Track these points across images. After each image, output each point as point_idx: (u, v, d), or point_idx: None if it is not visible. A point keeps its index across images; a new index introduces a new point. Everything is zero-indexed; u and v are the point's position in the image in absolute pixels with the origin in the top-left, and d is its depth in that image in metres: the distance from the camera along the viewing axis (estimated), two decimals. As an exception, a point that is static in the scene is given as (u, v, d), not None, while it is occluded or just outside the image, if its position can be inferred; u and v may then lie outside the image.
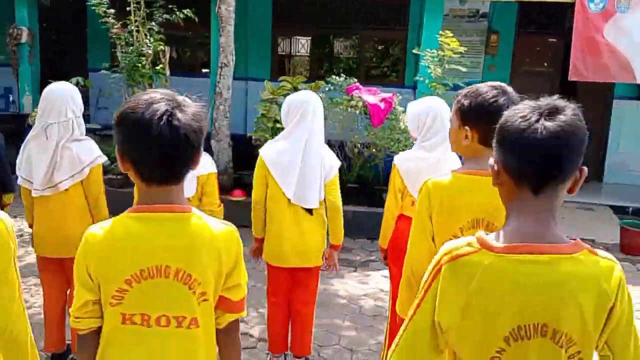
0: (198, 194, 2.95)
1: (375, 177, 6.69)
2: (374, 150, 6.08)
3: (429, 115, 2.88)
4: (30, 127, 6.96)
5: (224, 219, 3.03)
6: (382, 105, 5.83)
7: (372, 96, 5.88)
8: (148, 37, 6.52)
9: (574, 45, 6.36)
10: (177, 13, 6.50)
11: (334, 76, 6.24)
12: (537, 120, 1.20)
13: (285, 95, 6.61)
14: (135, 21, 6.46)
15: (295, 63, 9.74)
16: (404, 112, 6.09)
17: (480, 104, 1.84)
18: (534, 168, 1.20)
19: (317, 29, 9.41)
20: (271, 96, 6.68)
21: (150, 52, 6.52)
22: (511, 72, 8.85)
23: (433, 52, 6.07)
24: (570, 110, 1.23)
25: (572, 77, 6.41)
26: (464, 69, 6.08)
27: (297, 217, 2.96)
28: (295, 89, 6.66)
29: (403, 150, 5.72)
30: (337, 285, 4.72)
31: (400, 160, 2.96)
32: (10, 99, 8.31)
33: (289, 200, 2.93)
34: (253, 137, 6.41)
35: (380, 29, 9.15)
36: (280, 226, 2.98)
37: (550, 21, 8.61)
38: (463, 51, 6.10)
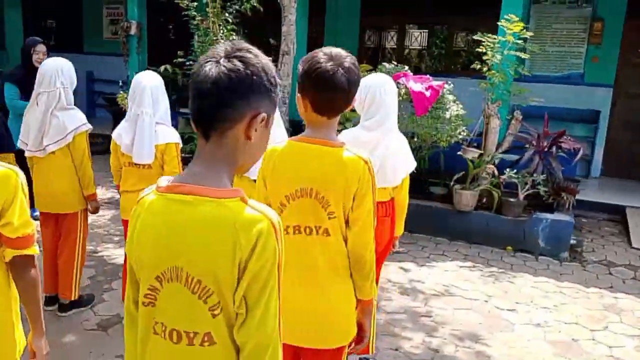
0: (159, 160, 3.17)
1: (429, 169, 6.43)
2: (415, 139, 5.87)
3: (368, 93, 2.78)
4: (123, 110, 7.91)
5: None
6: (427, 93, 5.59)
7: (418, 84, 5.66)
8: (222, 27, 6.97)
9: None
10: (246, 4, 6.85)
11: (384, 63, 6.12)
12: (206, 63, 1.18)
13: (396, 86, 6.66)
14: (211, 13, 6.94)
15: (381, 54, 9.66)
16: (455, 101, 5.80)
17: (306, 71, 1.78)
18: (195, 112, 1.20)
19: (405, 20, 9.26)
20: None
21: (222, 41, 6.96)
22: (619, 63, 7.88)
23: (494, 38, 5.67)
24: (247, 53, 1.19)
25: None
26: (525, 56, 5.59)
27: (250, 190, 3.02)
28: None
29: (447, 141, 5.48)
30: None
31: (342, 139, 2.90)
32: (120, 83, 9.40)
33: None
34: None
35: (470, 18, 8.70)
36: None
37: (667, 5, 7.49)
38: (529, 37, 5.61)
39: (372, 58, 9.44)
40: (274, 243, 1.16)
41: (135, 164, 3.17)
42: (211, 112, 1.17)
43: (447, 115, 5.54)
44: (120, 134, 3.19)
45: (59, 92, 3.25)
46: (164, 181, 1.24)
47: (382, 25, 9.57)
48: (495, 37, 5.67)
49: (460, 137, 5.62)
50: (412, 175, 6.40)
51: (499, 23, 5.62)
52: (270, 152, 1.91)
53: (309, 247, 1.84)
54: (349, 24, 9.19)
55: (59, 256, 3.49)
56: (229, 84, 1.15)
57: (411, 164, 2.90)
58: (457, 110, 5.64)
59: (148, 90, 3.12)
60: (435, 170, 6.29)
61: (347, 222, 1.86)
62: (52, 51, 11.02)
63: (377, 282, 3.02)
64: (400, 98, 5.62)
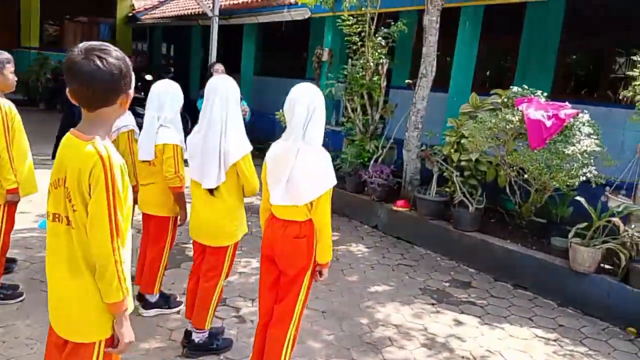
0: (159, 159, 3.51)
1: (571, 216, 5.30)
2: (525, 176, 4.89)
3: (286, 102, 2.63)
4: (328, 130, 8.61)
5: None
6: (548, 123, 4.65)
7: (540, 112, 4.75)
8: (374, 50, 7.05)
9: None
10: (393, 27, 6.79)
11: (514, 87, 5.32)
12: None
13: (490, 110, 6.07)
14: (364, 37, 7.10)
15: (579, 79, 8.30)
16: (592, 135, 4.72)
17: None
18: None
19: (612, 42, 7.75)
20: (471, 109, 6.17)
21: (371, 64, 7.05)
22: None
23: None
24: None
25: None
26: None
27: (205, 197, 3.12)
28: (505, 104, 6.00)
29: (564, 182, 4.54)
30: (387, 309, 4.25)
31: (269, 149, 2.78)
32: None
33: (199, 179, 3.14)
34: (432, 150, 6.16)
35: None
36: (193, 204, 3.22)
37: None
38: None
39: (567, 82, 8.23)
40: None
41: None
42: None
43: (569, 150, 4.53)
44: None
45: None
46: None
47: (584, 48, 8.23)
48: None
49: (584, 178, 4.52)
50: (535, 221, 5.40)
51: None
52: None
53: (60, 236, 1.90)
54: (546, 46, 8.17)
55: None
56: None
57: (324, 185, 2.58)
58: (587, 146, 4.56)
59: (154, 94, 3.52)
60: (566, 219, 5.17)
61: None
62: (278, 77, 12.67)
63: (293, 317, 2.74)
64: (511, 126, 4.88)
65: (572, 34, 7.96)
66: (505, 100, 5.27)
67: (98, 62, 1.77)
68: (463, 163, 5.82)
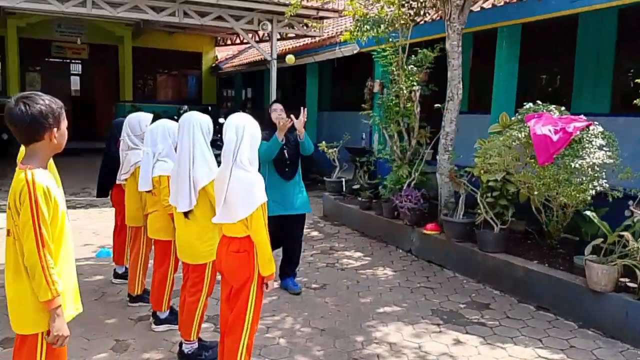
0: (158, 189, 3.95)
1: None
2: (535, 192, 4.70)
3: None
4: (377, 158, 8.85)
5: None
6: (554, 137, 4.51)
7: (548, 126, 4.61)
8: (405, 79, 7.20)
9: None
10: (420, 53, 6.91)
11: (529, 103, 5.21)
12: None
13: (517, 129, 6.00)
14: (397, 66, 7.29)
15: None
16: (603, 147, 4.52)
17: None
18: None
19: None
20: (500, 129, 6.09)
21: (405, 92, 7.19)
22: None
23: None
24: None
25: None
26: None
27: (183, 220, 3.49)
28: (519, 121, 5.88)
29: (573, 197, 4.39)
30: (388, 328, 4.29)
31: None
32: (363, 136, 10.45)
33: (179, 203, 3.52)
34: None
35: None
36: (176, 226, 3.60)
37: None
38: None
39: (627, 96, 7.72)
40: None
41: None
42: None
43: (577, 164, 4.36)
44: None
45: (126, 139, 4.46)
46: None
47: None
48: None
49: (593, 192, 4.31)
50: (568, 240, 5.13)
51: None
52: None
53: (10, 247, 2.33)
54: (601, 61, 7.80)
55: (128, 258, 4.66)
56: None
57: (252, 204, 2.81)
58: (597, 159, 4.37)
59: (148, 132, 4.00)
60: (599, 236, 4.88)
61: None
62: (342, 111, 12.98)
63: (244, 327, 2.95)
64: (518, 143, 4.80)
65: (627, 46, 7.54)
66: (519, 117, 5.18)
67: (22, 107, 2.22)
68: (491, 183, 5.72)
